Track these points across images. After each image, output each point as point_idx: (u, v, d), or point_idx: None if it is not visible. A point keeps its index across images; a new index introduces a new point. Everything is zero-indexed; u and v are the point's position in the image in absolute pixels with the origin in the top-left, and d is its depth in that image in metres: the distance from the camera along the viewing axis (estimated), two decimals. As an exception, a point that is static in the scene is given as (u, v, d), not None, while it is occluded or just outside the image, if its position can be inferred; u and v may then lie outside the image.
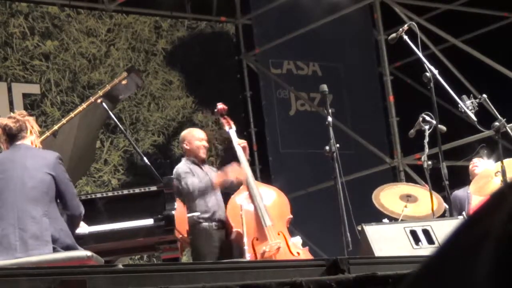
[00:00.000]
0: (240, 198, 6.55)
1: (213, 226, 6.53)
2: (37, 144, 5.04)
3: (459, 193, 7.36)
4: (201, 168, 6.68)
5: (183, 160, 6.76)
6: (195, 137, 6.73)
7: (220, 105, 7.07)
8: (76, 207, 4.91)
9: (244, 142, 6.91)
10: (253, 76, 11.00)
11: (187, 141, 6.74)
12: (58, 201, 4.91)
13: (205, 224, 6.50)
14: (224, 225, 6.53)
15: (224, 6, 10.91)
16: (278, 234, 6.40)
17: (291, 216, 6.67)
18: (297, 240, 6.60)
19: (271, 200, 6.66)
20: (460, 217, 6.34)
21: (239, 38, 11.03)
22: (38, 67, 9.40)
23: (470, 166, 7.41)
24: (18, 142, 4.92)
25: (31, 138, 4.96)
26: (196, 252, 6.61)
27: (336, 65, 11.27)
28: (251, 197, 6.54)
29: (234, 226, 6.41)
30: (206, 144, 6.77)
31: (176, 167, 6.70)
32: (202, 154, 6.72)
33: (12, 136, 4.93)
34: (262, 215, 6.41)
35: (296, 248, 6.36)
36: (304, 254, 6.37)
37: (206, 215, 6.50)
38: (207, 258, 6.38)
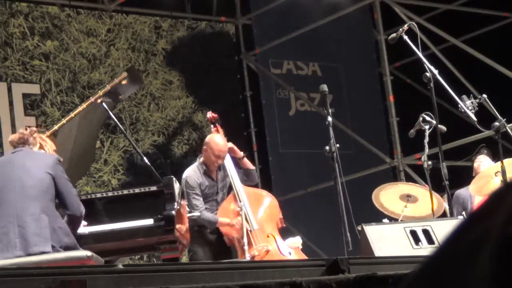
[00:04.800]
0: (228, 203, 6.57)
1: (207, 229, 6.55)
2: None
3: (462, 192, 7.35)
4: (211, 177, 6.66)
5: (197, 163, 6.72)
6: (215, 153, 6.62)
7: (210, 114, 7.08)
8: (77, 207, 4.92)
9: (231, 144, 6.89)
10: (253, 76, 11.00)
11: (207, 149, 6.66)
12: (58, 201, 4.92)
13: (200, 227, 6.53)
14: (218, 229, 6.54)
15: (224, 6, 10.91)
16: (268, 237, 6.40)
17: (281, 217, 6.67)
18: (297, 240, 6.60)
19: (258, 203, 6.66)
20: (460, 217, 6.34)
21: (239, 38, 11.03)
22: (38, 67, 9.40)
23: (476, 164, 7.38)
24: (18, 149, 4.96)
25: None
26: (192, 253, 6.64)
27: (336, 65, 11.27)
28: (238, 202, 6.54)
29: (224, 234, 6.42)
30: (221, 161, 6.69)
31: (188, 174, 6.64)
32: (213, 168, 6.69)
33: (15, 147, 4.98)
34: (249, 219, 6.42)
35: (287, 249, 6.37)
36: (296, 254, 6.37)
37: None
38: (202, 259, 6.40)
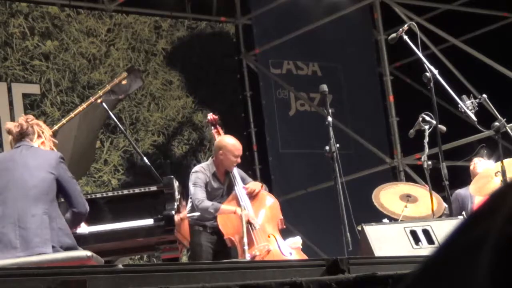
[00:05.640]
0: (229, 203, 6.56)
1: (207, 230, 6.54)
2: (47, 148, 5.03)
3: (461, 192, 7.36)
4: (219, 180, 6.65)
5: (209, 163, 6.72)
6: (235, 153, 6.61)
7: (210, 116, 7.07)
8: (82, 205, 4.92)
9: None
10: (253, 76, 11.00)
11: (223, 152, 6.62)
12: (63, 199, 4.93)
13: (200, 228, 6.53)
14: (218, 230, 6.54)
15: (224, 6, 10.91)
16: (269, 237, 6.40)
17: (282, 217, 6.66)
18: (297, 240, 6.60)
19: (260, 204, 6.66)
20: (460, 217, 6.34)
21: (239, 38, 11.03)
22: (38, 67, 9.40)
23: (471, 167, 7.42)
24: (20, 144, 4.94)
25: (38, 142, 4.98)
26: (192, 253, 6.64)
27: (336, 65, 11.27)
28: (239, 202, 6.53)
29: (225, 234, 6.41)
30: (239, 160, 6.69)
31: (198, 168, 6.64)
32: (232, 168, 6.68)
33: (16, 140, 4.97)
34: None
35: (288, 249, 6.37)
36: (297, 254, 6.37)
37: (202, 222, 6.52)
38: (202, 259, 6.40)
